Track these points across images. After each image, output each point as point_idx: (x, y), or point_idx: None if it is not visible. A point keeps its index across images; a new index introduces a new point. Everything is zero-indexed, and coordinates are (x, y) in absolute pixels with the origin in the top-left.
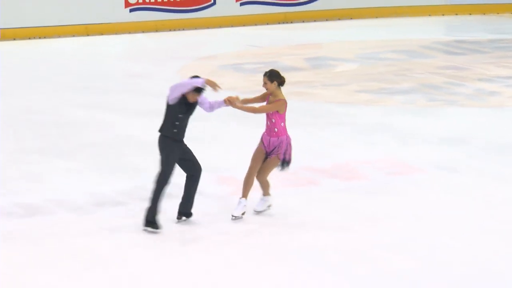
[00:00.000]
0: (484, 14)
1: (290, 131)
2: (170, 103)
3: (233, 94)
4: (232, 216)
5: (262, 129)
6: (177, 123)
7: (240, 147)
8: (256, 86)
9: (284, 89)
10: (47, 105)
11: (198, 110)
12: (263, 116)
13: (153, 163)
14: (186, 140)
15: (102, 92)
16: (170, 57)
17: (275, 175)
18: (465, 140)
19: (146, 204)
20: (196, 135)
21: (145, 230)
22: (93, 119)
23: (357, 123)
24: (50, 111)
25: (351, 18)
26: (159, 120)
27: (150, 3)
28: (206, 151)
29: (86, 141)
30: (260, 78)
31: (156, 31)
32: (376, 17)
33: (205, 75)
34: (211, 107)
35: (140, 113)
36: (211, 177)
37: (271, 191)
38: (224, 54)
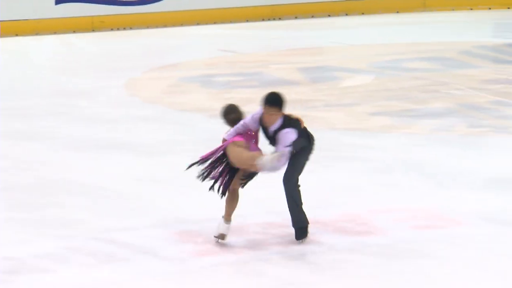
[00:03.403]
0: None
1: None
2: None
3: (198, 116)
4: None
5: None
6: None
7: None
8: None
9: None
10: None
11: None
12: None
13: (92, 215)
14: (134, 179)
15: (22, 116)
16: (114, 67)
17: (246, 227)
18: None
19: (79, 271)
20: (148, 173)
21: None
22: (10, 154)
23: (372, 158)
24: None
25: (363, 13)
26: (100, 155)
27: None
28: (162, 196)
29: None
30: (238, 94)
31: (93, 30)
32: (398, 12)
33: (161, 91)
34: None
35: (76, 145)
36: (168, 233)
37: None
38: (188, 63)
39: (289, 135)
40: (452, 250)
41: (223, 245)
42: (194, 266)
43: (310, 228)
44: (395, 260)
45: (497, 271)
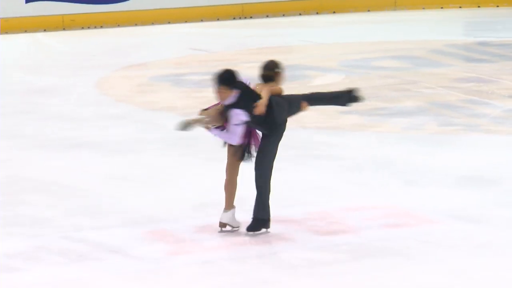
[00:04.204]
0: None
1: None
2: None
3: (170, 115)
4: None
5: (216, 161)
6: None
7: (180, 188)
8: (202, 105)
9: None
10: None
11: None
12: (213, 149)
13: (61, 213)
14: (104, 177)
15: None
16: (83, 65)
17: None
18: (492, 180)
19: (51, 270)
20: (118, 171)
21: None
22: None
23: (343, 157)
24: None
25: (334, 12)
26: (71, 153)
27: None
28: (133, 194)
29: None
30: (209, 93)
31: (64, 29)
32: (369, 11)
33: (131, 89)
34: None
35: (46, 143)
36: (139, 232)
37: None
38: (159, 62)
39: (240, 116)
40: (423, 248)
41: (194, 245)
42: (166, 265)
43: (282, 227)
44: (367, 258)
45: (466, 269)
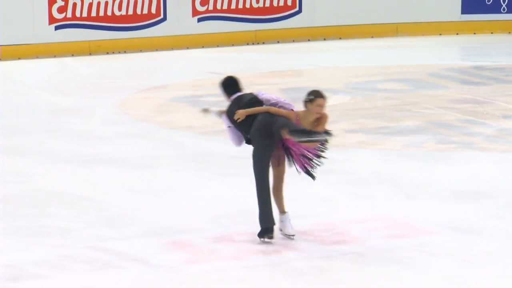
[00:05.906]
0: (510, 33)
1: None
2: None
3: (187, 134)
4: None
5: (230, 176)
6: None
7: (196, 201)
8: (218, 125)
9: None
10: None
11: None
12: (226, 165)
13: (85, 225)
14: (125, 191)
15: (17, 132)
16: (107, 87)
17: (232, 236)
18: (487, 194)
19: (76, 277)
20: (138, 186)
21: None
22: (4, 167)
23: (348, 172)
24: None
25: (340, 38)
26: (93, 169)
27: (81, 18)
28: (152, 207)
29: None
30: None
31: (90, 54)
32: (372, 37)
33: (151, 110)
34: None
35: (68, 160)
36: (158, 242)
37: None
38: (177, 84)
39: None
40: (423, 257)
41: (210, 254)
42: (184, 273)
43: (290, 237)
44: (370, 266)
45: (463, 276)
